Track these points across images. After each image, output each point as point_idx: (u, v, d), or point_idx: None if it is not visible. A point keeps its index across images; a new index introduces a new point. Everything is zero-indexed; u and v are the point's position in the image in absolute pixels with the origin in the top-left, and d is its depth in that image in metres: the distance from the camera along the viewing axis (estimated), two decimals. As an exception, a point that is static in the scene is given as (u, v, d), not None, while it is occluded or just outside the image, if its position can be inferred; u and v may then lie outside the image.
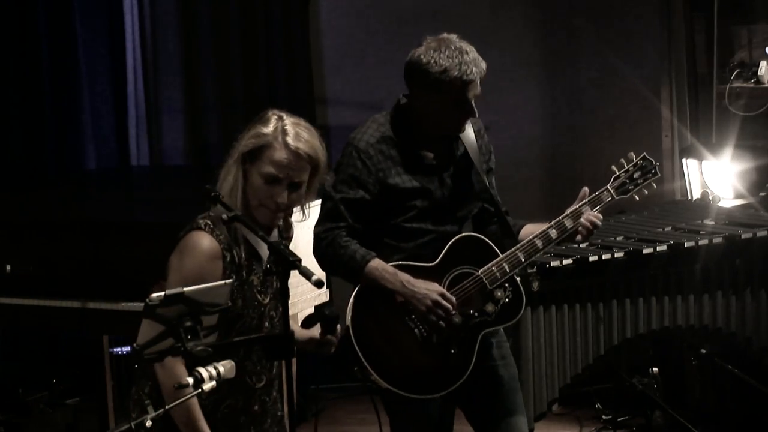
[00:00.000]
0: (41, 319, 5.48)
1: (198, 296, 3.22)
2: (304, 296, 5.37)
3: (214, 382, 3.16)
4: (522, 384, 4.68)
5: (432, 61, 4.22)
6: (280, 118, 3.66)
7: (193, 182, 3.82)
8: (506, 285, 4.33)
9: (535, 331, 4.86)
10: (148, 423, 3.06)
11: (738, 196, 6.31)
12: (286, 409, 3.73)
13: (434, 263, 4.31)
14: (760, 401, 5.94)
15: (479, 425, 4.50)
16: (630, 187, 4.50)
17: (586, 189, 4.43)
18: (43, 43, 7.18)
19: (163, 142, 7.59)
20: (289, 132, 3.62)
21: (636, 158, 4.52)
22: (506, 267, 4.32)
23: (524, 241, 4.35)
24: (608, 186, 4.47)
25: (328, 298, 5.62)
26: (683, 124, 6.95)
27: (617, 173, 4.50)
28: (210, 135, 7.48)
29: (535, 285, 4.76)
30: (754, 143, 6.54)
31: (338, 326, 3.76)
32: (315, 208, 4.34)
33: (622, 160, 4.52)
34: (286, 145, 3.61)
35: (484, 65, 4.27)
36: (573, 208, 4.40)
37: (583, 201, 4.40)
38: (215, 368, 3.18)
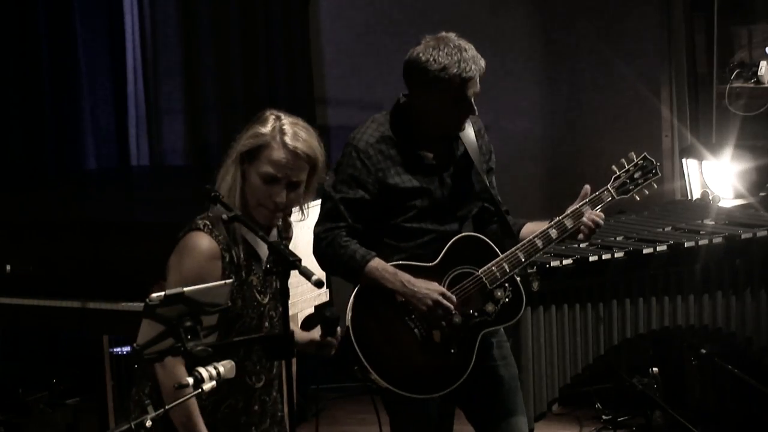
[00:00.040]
0: (41, 319, 5.48)
1: (198, 296, 3.22)
2: (304, 296, 5.37)
3: (214, 382, 3.16)
4: (522, 384, 4.68)
5: (431, 59, 4.22)
6: (278, 118, 3.66)
7: (193, 182, 3.82)
8: (506, 285, 4.33)
9: (535, 331, 4.86)
10: (148, 423, 3.06)
11: (738, 196, 6.31)
12: (286, 409, 3.73)
13: (434, 263, 4.31)
14: (760, 401, 5.94)
15: (479, 425, 4.50)
16: (630, 187, 4.50)
17: (587, 187, 4.43)
18: (43, 43, 7.18)
19: (163, 142, 7.59)
20: (287, 132, 3.62)
21: (636, 158, 4.52)
22: (506, 267, 4.32)
23: (524, 241, 4.35)
24: (608, 186, 4.47)
25: (328, 298, 5.62)
26: (683, 124, 6.95)
27: (618, 173, 4.50)
28: (210, 135, 7.48)
29: (535, 285, 4.76)
30: (754, 143, 6.54)
31: (338, 328, 3.76)
32: (314, 208, 4.35)
33: (623, 160, 4.52)
34: (284, 144, 3.61)
35: (483, 63, 4.27)
36: (574, 207, 4.40)
37: (584, 201, 4.40)
38: (215, 368, 3.18)
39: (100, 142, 7.44)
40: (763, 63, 6.62)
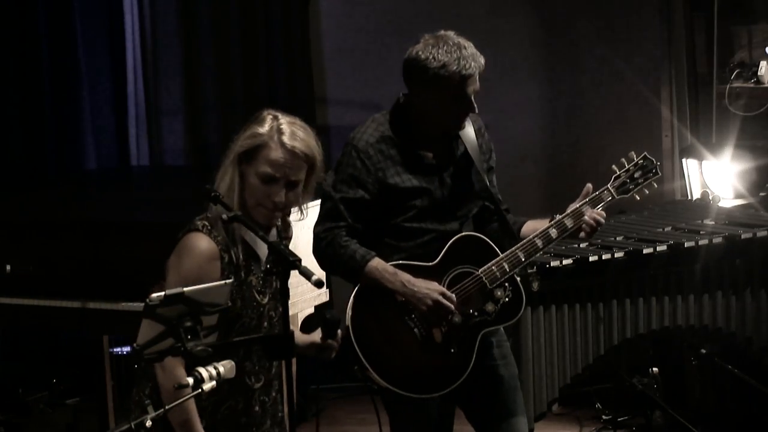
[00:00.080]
0: (41, 319, 5.48)
1: (198, 296, 3.22)
2: (304, 296, 5.37)
3: (214, 382, 3.16)
4: (522, 384, 4.68)
5: (430, 56, 4.22)
6: (275, 118, 3.66)
7: (193, 182, 3.82)
8: (506, 284, 4.33)
9: (535, 331, 4.85)
10: (148, 423, 3.06)
11: (738, 196, 6.31)
12: (286, 409, 3.73)
13: (434, 263, 4.31)
14: (760, 401, 5.94)
15: (479, 425, 4.50)
16: (631, 187, 4.50)
17: (589, 186, 4.43)
18: (43, 43, 7.18)
19: (163, 142, 7.59)
20: (285, 131, 3.62)
21: (637, 158, 4.52)
22: (506, 266, 4.32)
23: (524, 241, 4.35)
24: (609, 185, 4.47)
25: (328, 298, 5.62)
26: (683, 124, 6.95)
27: (618, 173, 4.50)
28: (210, 135, 7.48)
29: (535, 285, 4.76)
30: (754, 143, 6.54)
31: (339, 331, 3.76)
32: (314, 208, 4.35)
33: (623, 159, 4.52)
34: (282, 144, 3.61)
35: (482, 60, 4.27)
36: (574, 206, 4.40)
37: (584, 200, 4.40)
38: (215, 368, 3.18)
39: (100, 142, 7.44)
40: (763, 63, 6.61)
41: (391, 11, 7.31)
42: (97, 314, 5.34)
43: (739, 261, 5.26)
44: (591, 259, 4.96)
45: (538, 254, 4.40)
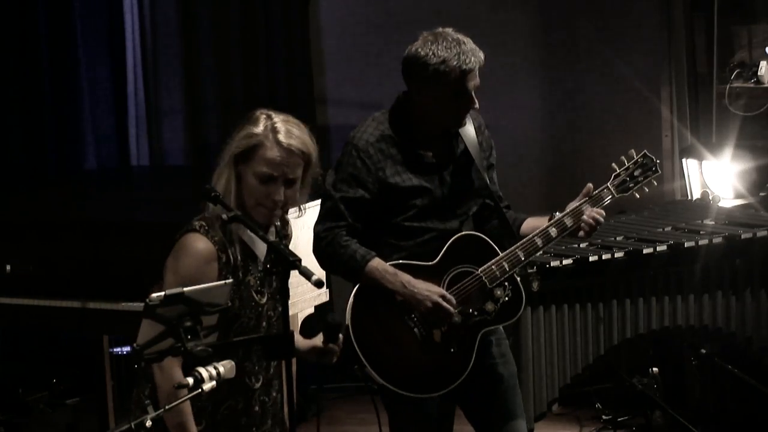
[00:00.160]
0: (41, 319, 5.48)
1: (198, 296, 3.22)
2: (304, 296, 5.37)
3: (214, 382, 3.16)
4: (522, 384, 4.68)
5: (430, 53, 4.23)
6: (269, 117, 3.66)
7: (193, 182, 3.82)
8: (506, 284, 4.33)
9: (535, 331, 4.85)
10: (148, 423, 3.06)
11: (738, 196, 6.31)
12: (286, 409, 3.73)
13: (434, 262, 4.31)
14: (760, 401, 5.93)
15: (478, 424, 4.50)
16: (630, 185, 4.50)
17: (590, 185, 4.43)
18: (43, 43, 7.18)
19: (163, 142, 7.58)
20: (280, 129, 3.62)
21: (636, 156, 4.52)
22: (506, 266, 4.32)
23: (524, 240, 4.35)
24: (608, 184, 4.47)
25: (328, 299, 5.62)
26: (683, 124, 6.95)
27: (618, 171, 4.50)
28: (210, 135, 7.48)
29: (535, 285, 4.76)
30: (754, 143, 6.53)
31: (341, 335, 3.75)
32: (314, 208, 4.35)
33: (623, 157, 4.52)
34: (278, 142, 3.61)
35: (482, 55, 4.27)
36: (574, 205, 4.40)
37: (584, 199, 4.40)
38: (215, 368, 3.18)
39: (100, 142, 7.44)
40: (763, 63, 6.61)
41: (391, 11, 7.31)
42: (97, 314, 5.34)
43: (739, 261, 5.26)
44: (591, 259, 4.96)
45: (537, 253, 4.40)
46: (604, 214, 4.41)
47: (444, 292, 4.26)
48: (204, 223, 3.62)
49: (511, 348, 4.57)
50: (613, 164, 4.51)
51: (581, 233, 4.39)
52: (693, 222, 5.51)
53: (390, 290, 4.24)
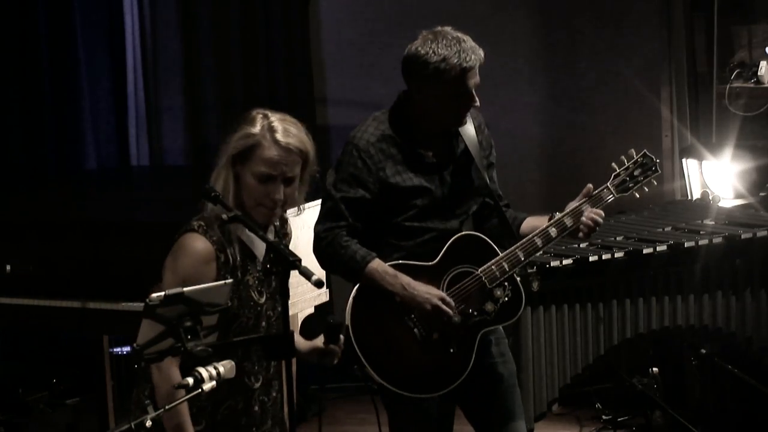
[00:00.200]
0: (41, 319, 5.48)
1: (198, 296, 3.22)
2: (304, 296, 5.37)
3: (214, 383, 3.16)
4: (522, 384, 4.68)
5: (430, 51, 4.23)
6: (266, 116, 3.66)
7: (193, 182, 3.82)
8: (506, 284, 4.33)
9: (535, 331, 4.85)
10: (148, 423, 3.06)
11: (738, 196, 6.31)
12: (286, 409, 3.73)
13: (434, 262, 4.31)
14: (760, 401, 5.93)
15: (478, 423, 4.50)
16: (630, 185, 4.50)
17: (590, 185, 4.43)
18: (43, 43, 7.17)
19: (163, 142, 7.58)
20: (277, 128, 3.62)
21: (636, 155, 4.52)
22: (506, 266, 4.32)
23: (524, 240, 4.35)
24: (608, 184, 4.47)
25: (328, 299, 5.62)
26: (683, 124, 6.95)
27: (617, 171, 4.50)
28: (210, 135, 7.47)
29: (535, 285, 4.76)
30: (754, 143, 6.53)
31: (342, 336, 3.74)
32: (314, 208, 4.35)
33: (623, 157, 4.52)
34: (276, 141, 3.61)
35: (481, 53, 4.27)
36: (574, 205, 4.40)
37: (584, 199, 4.40)
38: (215, 368, 3.18)
39: (100, 142, 7.44)
40: (763, 63, 6.61)
41: (391, 11, 7.31)
42: (97, 314, 5.34)
43: (739, 261, 5.26)
44: (591, 259, 4.96)
45: (537, 253, 4.40)
46: (603, 214, 4.41)
47: (443, 294, 4.26)
48: (203, 223, 3.62)
49: (511, 348, 4.58)
50: (613, 164, 4.51)
51: (580, 234, 4.39)
52: (693, 222, 5.51)
53: (389, 292, 4.24)
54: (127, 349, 6.10)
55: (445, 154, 4.38)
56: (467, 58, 4.22)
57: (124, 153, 7.51)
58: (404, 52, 4.31)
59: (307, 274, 3.37)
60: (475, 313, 4.31)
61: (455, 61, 4.22)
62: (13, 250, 5.52)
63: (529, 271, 4.74)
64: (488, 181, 4.44)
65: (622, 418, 6.32)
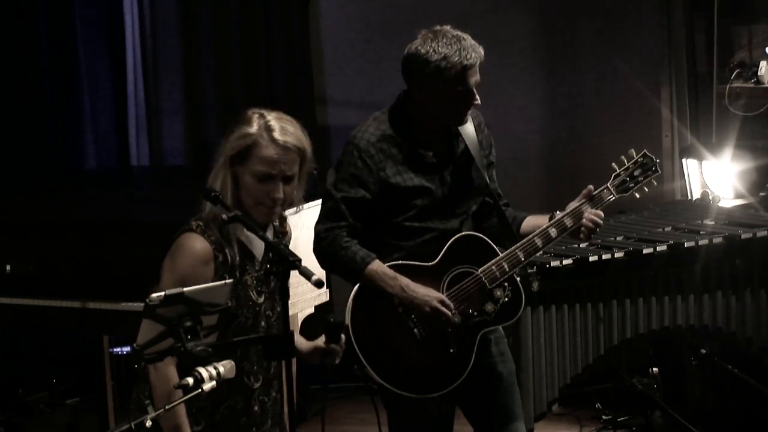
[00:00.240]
0: (41, 319, 5.48)
1: (198, 296, 3.22)
2: (304, 296, 5.37)
3: (214, 383, 3.16)
4: (522, 384, 4.68)
5: (431, 50, 4.23)
6: (262, 116, 3.66)
7: (193, 182, 3.82)
8: (505, 284, 4.33)
9: (535, 331, 4.85)
10: (148, 423, 3.06)
11: (738, 196, 6.31)
12: (286, 409, 3.73)
13: (434, 262, 4.31)
14: (760, 401, 5.93)
15: (477, 422, 4.50)
16: (630, 185, 4.49)
17: (591, 186, 4.43)
18: (43, 43, 7.18)
19: (163, 142, 7.59)
20: (275, 127, 3.62)
21: (636, 155, 4.52)
22: (506, 266, 4.32)
23: (524, 240, 4.35)
24: (608, 184, 4.47)
25: (328, 299, 5.62)
26: (683, 124, 6.95)
27: (617, 171, 4.50)
28: (210, 135, 7.48)
29: (535, 285, 4.76)
30: (754, 143, 6.53)
31: (343, 336, 3.74)
32: (314, 208, 4.35)
33: (623, 157, 4.52)
34: (274, 140, 3.61)
35: (481, 51, 4.27)
36: (574, 205, 4.40)
37: (584, 199, 4.40)
38: (215, 368, 3.18)
39: (100, 142, 7.44)
40: (763, 63, 6.61)
41: (391, 11, 7.31)
42: (97, 314, 5.34)
43: (739, 261, 5.26)
44: (591, 259, 4.96)
45: (537, 254, 4.40)
46: (603, 215, 4.41)
47: (443, 297, 4.26)
48: (201, 224, 3.62)
49: (511, 348, 4.58)
50: (613, 164, 4.51)
51: (581, 235, 4.39)
52: (693, 222, 5.51)
53: (389, 293, 4.24)
54: (127, 349, 6.10)
55: (445, 154, 4.38)
56: (468, 56, 4.23)
57: (124, 153, 7.51)
58: (404, 52, 4.31)
59: (307, 274, 3.37)
60: (475, 313, 4.31)
61: (456, 59, 4.22)
62: (13, 250, 5.52)
63: (529, 271, 4.74)
64: (488, 180, 4.44)
65: (622, 418, 6.32)
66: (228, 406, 3.68)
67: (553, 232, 4.35)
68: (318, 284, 3.39)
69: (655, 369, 6.24)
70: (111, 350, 5.90)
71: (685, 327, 5.20)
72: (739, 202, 6.24)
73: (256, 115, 3.66)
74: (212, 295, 3.28)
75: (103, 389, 5.79)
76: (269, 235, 3.66)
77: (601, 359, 5.06)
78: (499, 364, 4.44)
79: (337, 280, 4.67)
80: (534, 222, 4.42)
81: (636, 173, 4.50)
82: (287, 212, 3.79)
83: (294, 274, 3.42)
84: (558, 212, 4.39)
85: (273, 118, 3.65)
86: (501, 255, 4.33)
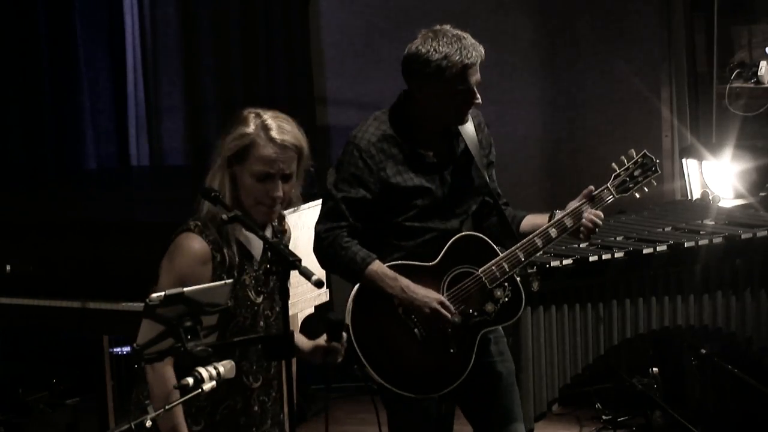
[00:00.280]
0: (41, 319, 5.48)
1: (198, 296, 3.22)
2: (304, 296, 5.37)
3: (214, 383, 3.16)
4: (522, 384, 4.68)
5: (431, 49, 4.23)
6: (258, 115, 3.66)
7: (193, 182, 3.82)
8: (506, 284, 4.33)
9: (535, 331, 4.85)
10: (148, 423, 3.06)
11: (738, 196, 6.31)
12: (286, 409, 3.73)
13: (434, 262, 4.31)
14: (760, 401, 5.93)
15: (476, 421, 4.50)
16: (630, 185, 4.49)
17: (591, 187, 4.43)
18: (43, 43, 7.18)
19: (163, 142, 7.59)
20: (272, 126, 3.62)
21: (636, 155, 4.52)
22: (506, 266, 4.32)
23: (524, 240, 4.35)
24: (608, 184, 4.47)
25: (328, 298, 5.62)
26: (683, 124, 6.95)
27: (618, 171, 4.50)
28: (210, 135, 7.47)
29: (535, 285, 4.76)
30: (754, 143, 6.53)
31: (344, 333, 3.74)
32: (314, 208, 4.35)
33: (623, 157, 4.52)
34: (272, 139, 3.61)
35: (482, 49, 4.27)
36: (574, 206, 4.40)
37: (584, 199, 4.40)
38: (215, 368, 3.18)
39: (100, 142, 7.44)
40: (763, 63, 6.61)
41: (391, 11, 7.31)
42: (97, 314, 5.34)
43: (739, 261, 5.26)
44: (591, 259, 4.96)
45: (537, 254, 4.40)
46: (603, 216, 4.41)
47: (442, 298, 4.26)
48: (199, 223, 3.62)
49: (511, 348, 4.58)
50: (613, 164, 4.51)
51: (581, 236, 4.39)
52: (693, 222, 5.51)
53: (389, 294, 4.24)
54: (127, 349, 6.10)
55: (445, 154, 4.38)
56: (468, 55, 4.23)
57: (124, 153, 7.51)
58: (404, 51, 4.31)
59: (307, 274, 3.37)
60: (476, 313, 4.31)
61: (457, 58, 4.22)
62: (13, 250, 5.52)
63: (529, 271, 4.74)
64: (488, 180, 4.44)
65: (622, 418, 6.32)
66: (227, 406, 3.68)
67: (553, 232, 4.35)
68: (318, 284, 3.39)
69: (655, 369, 6.24)
70: (111, 350, 5.90)
71: (685, 327, 5.20)
72: (739, 202, 6.24)
73: (253, 115, 3.66)
74: (212, 295, 3.28)
75: (103, 389, 5.79)
76: (268, 234, 3.66)
77: (601, 359, 5.06)
78: (499, 364, 4.44)
79: (337, 280, 4.67)
80: (533, 221, 4.42)
81: (636, 173, 4.50)
82: (286, 212, 3.79)
83: (294, 274, 3.42)
84: (557, 211, 4.39)
85: (269, 117, 3.65)
86: (501, 255, 4.33)
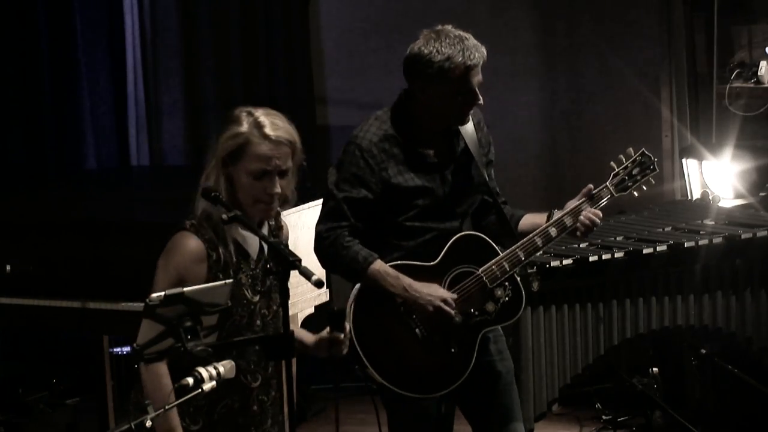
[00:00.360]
0: (41, 319, 5.48)
1: (198, 296, 3.22)
2: (304, 296, 5.37)
3: (214, 383, 3.16)
4: (522, 384, 4.68)
5: (434, 50, 4.22)
6: (250, 113, 3.66)
7: (193, 182, 3.82)
8: (506, 284, 4.33)
9: (535, 331, 4.85)
10: (148, 423, 3.06)
11: (738, 196, 6.31)
12: (286, 409, 3.73)
13: (435, 262, 4.31)
14: (760, 401, 5.93)
15: (476, 421, 4.50)
16: (629, 184, 4.50)
17: (590, 186, 4.43)
18: (43, 43, 7.17)
19: (163, 142, 7.59)
20: (265, 123, 3.63)
21: (635, 154, 4.52)
22: (506, 266, 4.32)
23: (524, 240, 4.35)
24: (607, 183, 4.47)
25: (328, 298, 5.62)
26: (683, 124, 6.95)
27: (616, 170, 4.50)
28: (210, 135, 7.42)
29: (535, 285, 4.75)
30: (754, 143, 6.53)
31: (347, 324, 3.75)
32: (314, 208, 4.34)
33: (621, 156, 4.52)
34: (266, 136, 3.61)
35: (484, 50, 4.27)
36: (573, 204, 4.40)
37: (583, 198, 4.40)
38: (215, 368, 3.18)
39: (100, 142, 7.44)
40: (763, 63, 6.61)
41: (391, 11, 7.31)
42: (97, 314, 5.34)
43: (739, 261, 5.26)
44: (591, 259, 4.96)
45: (537, 253, 4.40)
46: (601, 214, 4.42)
47: (445, 296, 4.26)
48: (194, 222, 3.62)
49: (511, 348, 4.58)
50: (612, 163, 4.51)
51: (578, 233, 4.39)
52: (693, 222, 5.51)
53: (391, 293, 4.24)
54: (127, 349, 6.10)
55: (446, 153, 4.38)
56: (471, 56, 4.23)
57: (124, 153, 7.51)
58: (406, 52, 4.30)
59: (307, 274, 3.38)
60: (476, 313, 4.31)
61: (459, 59, 4.21)
62: (13, 250, 5.52)
63: (529, 271, 4.74)
64: (487, 178, 4.44)
65: (622, 418, 6.32)
66: (225, 405, 3.68)
67: (552, 231, 4.36)
68: (318, 284, 3.39)
69: (655, 369, 6.24)
70: (111, 350, 5.90)
71: (685, 327, 5.20)
72: (739, 202, 6.24)
73: (244, 113, 3.67)
74: (212, 295, 3.28)
75: (103, 389, 5.79)
76: (264, 231, 3.66)
77: (601, 359, 5.06)
78: (498, 363, 4.44)
79: (337, 280, 4.67)
80: (532, 220, 4.42)
81: (634, 172, 4.50)
82: (286, 211, 3.79)
83: (294, 274, 3.42)
84: (556, 210, 4.39)
85: (261, 114, 3.65)
86: (501, 254, 4.33)
